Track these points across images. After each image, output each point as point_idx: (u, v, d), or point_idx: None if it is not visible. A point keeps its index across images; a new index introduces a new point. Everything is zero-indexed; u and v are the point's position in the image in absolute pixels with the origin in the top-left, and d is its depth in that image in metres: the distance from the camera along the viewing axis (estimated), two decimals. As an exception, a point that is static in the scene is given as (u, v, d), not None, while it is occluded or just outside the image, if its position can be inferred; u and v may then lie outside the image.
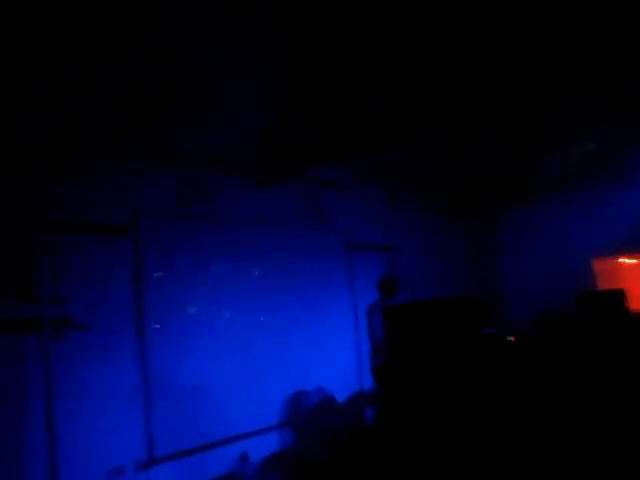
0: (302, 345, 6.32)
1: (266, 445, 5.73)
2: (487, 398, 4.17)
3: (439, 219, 8.90)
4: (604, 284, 8.97)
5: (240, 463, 5.40)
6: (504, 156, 6.73)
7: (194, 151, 5.37)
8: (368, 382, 6.53)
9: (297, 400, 6.01)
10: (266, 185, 6.18)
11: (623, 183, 8.02)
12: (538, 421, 4.27)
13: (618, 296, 5.83)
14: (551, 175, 7.85)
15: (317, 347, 6.47)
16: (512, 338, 6.11)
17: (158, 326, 5.09)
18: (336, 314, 6.85)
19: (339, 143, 5.40)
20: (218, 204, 5.82)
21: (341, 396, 6.23)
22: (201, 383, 5.31)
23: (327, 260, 6.89)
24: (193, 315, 5.40)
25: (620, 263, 10.38)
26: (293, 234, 6.53)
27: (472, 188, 8.42)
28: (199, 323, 5.43)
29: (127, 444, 4.73)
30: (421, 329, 4.33)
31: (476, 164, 7.01)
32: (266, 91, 4.25)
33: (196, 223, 5.59)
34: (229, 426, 5.46)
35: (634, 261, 10.62)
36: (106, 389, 4.65)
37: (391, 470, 4.19)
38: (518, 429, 4.14)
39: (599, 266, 9.37)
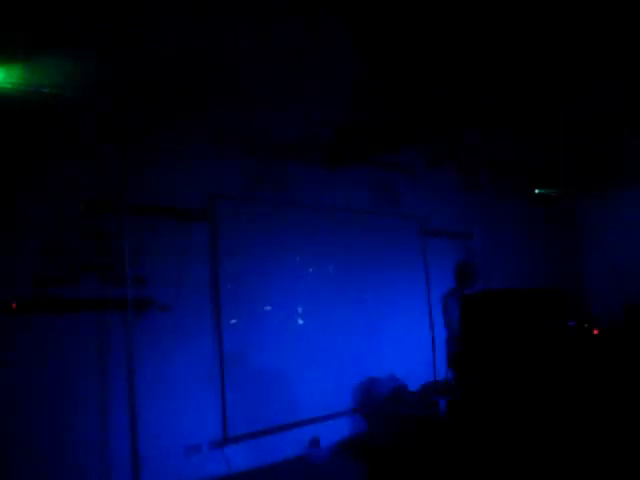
0: (376, 332, 6.27)
1: (337, 430, 5.74)
2: (566, 392, 3.98)
3: (517, 205, 8.51)
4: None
5: (311, 447, 5.43)
6: (590, 136, 6.31)
7: (271, 139, 5.40)
8: (442, 372, 6.39)
9: (369, 387, 5.97)
10: (338, 170, 6.13)
11: None
12: (619, 418, 4.03)
13: None
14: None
15: (390, 334, 6.39)
16: (595, 331, 5.80)
17: (234, 309, 5.18)
18: (410, 302, 6.73)
19: (421, 122, 5.22)
20: (292, 190, 5.84)
21: (413, 385, 6.10)
22: (274, 367, 5.37)
23: (400, 246, 6.77)
24: (269, 299, 5.45)
25: None
26: (366, 220, 6.44)
27: (553, 172, 7.98)
28: (276, 306, 5.48)
29: (203, 423, 4.87)
30: (500, 319, 4.18)
31: (560, 145, 6.61)
32: (346, 76, 4.18)
33: (270, 208, 5.63)
34: (301, 410, 5.51)
35: None
36: (184, 369, 4.79)
37: (460, 461, 4.09)
38: (598, 426, 3.92)
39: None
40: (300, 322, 5.66)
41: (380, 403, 5.82)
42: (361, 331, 6.15)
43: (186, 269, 4.92)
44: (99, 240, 4.44)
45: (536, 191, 8.66)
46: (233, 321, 5.15)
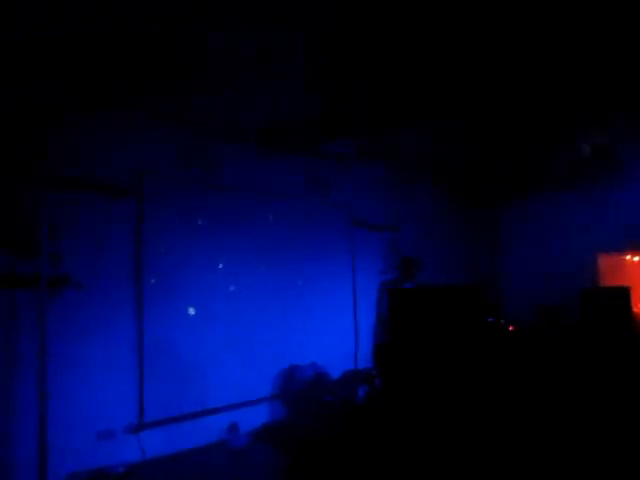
0: (299, 320, 6.27)
1: (257, 416, 5.73)
2: (482, 383, 4.16)
3: (443, 205, 8.75)
4: (608, 281, 8.90)
5: (229, 432, 5.38)
6: (511, 145, 6.59)
7: (207, 120, 5.23)
8: (363, 362, 6.50)
9: (291, 374, 5.98)
10: (273, 156, 6.06)
11: (628, 181, 7.91)
12: (530, 406, 4.27)
13: (623, 294, 5.76)
14: (558, 170, 7.71)
15: (315, 323, 6.42)
16: (511, 327, 6.11)
17: (157, 293, 5.01)
18: (336, 292, 6.77)
19: (354, 118, 5.27)
20: (225, 172, 5.71)
21: (335, 373, 6.19)
22: (195, 353, 5.26)
23: (328, 235, 6.78)
24: (191, 283, 5.31)
25: (625, 260, 10.33)
26: (298, 208, 6.41)
27: (478, 176, 8.27)
28: (197, 291, 5.35)
29: (119, 408, 4.70)
30: (423, 313, 4.29)
31: (483, 151, 6.87)
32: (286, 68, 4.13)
33: (202, 189, 5.47)
34: (221, 396, 5.45)
35: (637, 259, 10.58)
36: (102, 352, 4.60)
37: (376, 446, 4.19)
38: (510, 414, 4.13)
39: (604, 262, 9.29)
40: (224, 308, 5.56)
41: (301, 389, 5.86)
42: (286, 319, 6.13)
43: (108, 248, 4.71)
44: (11, 211, 4.14)
45: (462, 193, 8.95)
46: (155, 304, 4.98)
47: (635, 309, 7.68)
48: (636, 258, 10.52)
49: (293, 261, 6.28)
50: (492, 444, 3.88)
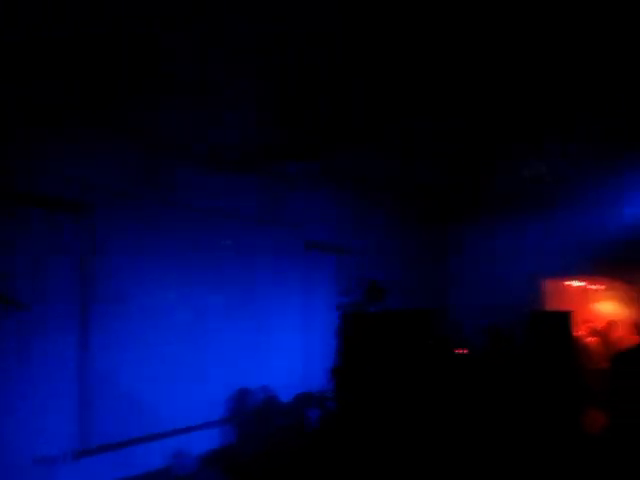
0: (251, 342, 6.20)
1: (206, 441, 5.59)
2: (429, 404, 4.23)
3: (396, 227, 8.88)
4: (552, 304, 9.20)
5: (176, 458, 5.23)
6: (459, 171, 6.84)
7: (163, 137, 5.22)
8: (315, 383, 6.46)
9: (241, 397, 5.89)
10: (229, 176, 6.07)
11: (573, 207, 8.24)
12: (472, 422, 4.37)
13: (565, 318, 5.99)
14: (505, 195, 8.00)
15: (266, 345, 6.36)
16: (464, 350, 6.21)
17: (105, 314, 4.87)
18: (288, 313, 6.74)
19: (305, 142, 5.40)
20: (180, 191, 5.65)
21: (287, 396, 6.13)
22: (142, 376, 5.11)
23: (282, 256, 6.76)
24: (140, 305, 5.18)
25: (568, 285, 10.73)
26: (249, 228, 6.39)
27: (431, 199, 8.49)
28: (145, 313, 5.22)
29: (60, 433, 4.50)
30: (377, 337, 4.35)
31: (432, 177, 7.10)
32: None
33: (151, 206, 5.39)
34: (169, 419, 5.31)
35: (580, 284, 11.01)
36: (42, 373, 4.41)
37: (326, 470, 4.18)
38: (454, 431, 4.20)
39: (548, 287, 9.61)
40: (173, 330, 5.45)
41: (251, 413, 5.78)
42: (237, 341, 6.05)
43: (53, 266, 4.55)
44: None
45: (414, 217, 9.14)
46: (100, 325, 4.84)
47: (576, 333, 7.97)
48: (579, 283, 10.95)
49: (245, 283, 6.24)
50: (443, 463, 3.93)
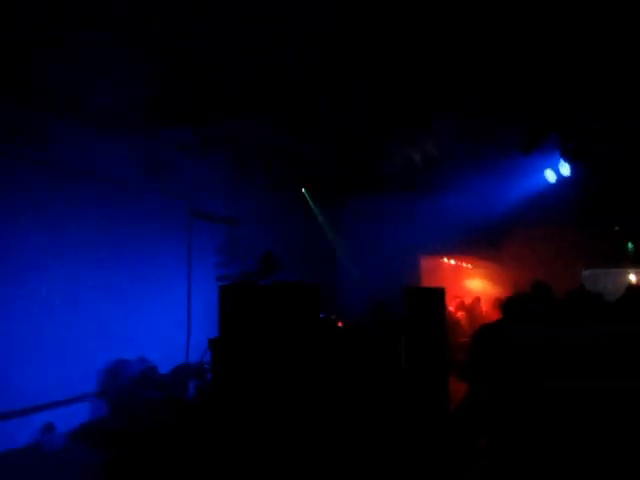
0: (129, 313, 5.92)
1: (77, 415, 5.31)
2: (311, 374, 4.33)
3: (288, 202, 8.92)
4: (429, 280, 9.78)
5: (44, 433, 4.94)
6: (349, 150, 7.00)
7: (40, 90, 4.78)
8: (196, 355, 6.37)
9: (116, 370, 5.65)
10: (111, 136, 5.69)
11: (448, 191, 8.77)
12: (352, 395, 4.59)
13: (439, 293, 6.37)
14: (390, 176, 8.31)
15: (146, 316, 6.11)
16: (340, 323, 6.41)
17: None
18: (170, 284, 6.53)
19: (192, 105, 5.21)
20: (55, 149, 5.18)
21: (165, 367, 5.99)
22: (5, 347, 4.73)
23: (166, 224, 6.51)
24: (8, 270, 4.76)
25: (443, 262, 11.46)
26: (135, 193, 6.08)
27: (320, 175, 8.61)
28: (12, 280, 4.81)
29: None
30: (258, 309, 4.35)
31: (322, 154, 7.21)
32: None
33: (27, 166, 4.92)
34: (33, 393, 4.94)
35: (453, 262, 11.82)
36: None
37: (206, 441, 4.17)
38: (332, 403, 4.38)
39: (425, 264, 10.21)
40: (44, 301, 5.07)
41: (127, 386, 5.59)
42: (114, 312, 5.75)
43: None
44: None
45: (302, 190, 9.22)
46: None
47: (449, 308, 8.57)
48: (452, 261, 11.75)
49: (125, 251, 5.93)
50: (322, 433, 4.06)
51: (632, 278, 11.56)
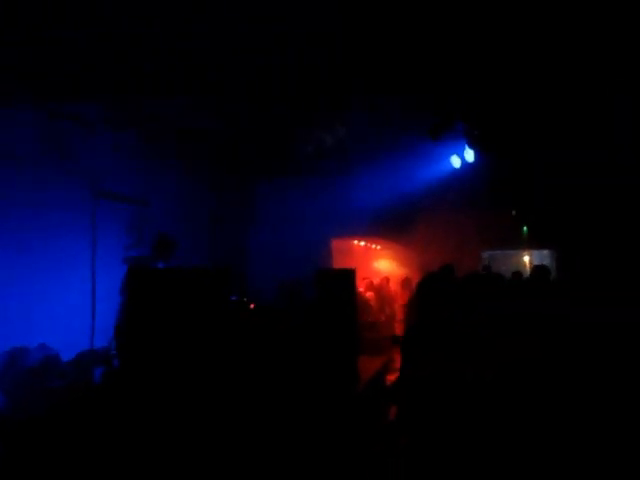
0: (28, 298, 5.57)
1: (-33, 408, 4.96)
2: (222, 357, 4.32)
3: (198, 181, 8.71)
4: (340, 262, 9.98)
5: None
6: (260, 129, 6.97)
7: None
8: (101, 340, 6.12)
9: (13, 357, 5.31)
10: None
11: (358, 175, 9.00)
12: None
13: (349, 275, 6.52)
14: (302, 158, 8.36)
15: (47, 300, 5.76)
16: (252, 305, 6.41)
17: None
18: (73, 266, 6.20)
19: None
20: None
21: (69, 354, 5.71)
22: None
23: (68, 204, 6.14)
24: None
25: (353, 244, 11.73)
26: (32, 172, 5.67)
27: (230, 155, 8.48)
28: None
29: None
30: (167, 293, 4.25)
31: (236, 130, 7.12)
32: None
33: None
34: None
35: (362, 244, 12.12)
36: None
37: (109, 430, 4.06)
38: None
39: (336, 245, 10.39)
40: None
41: (25, 375, 5.27)
42: (10, 296, 5.40)
43: None
44: None
45: (216, 170, 9.04)
46: None
47: (359, 288, 8.80)
48: (362, 243, 12.05)
49: (23, 231, 5.55)
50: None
51: (526, 259, 12.47)
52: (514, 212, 10.26)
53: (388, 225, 9.93)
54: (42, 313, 5.71)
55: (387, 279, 11.29)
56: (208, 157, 8.46)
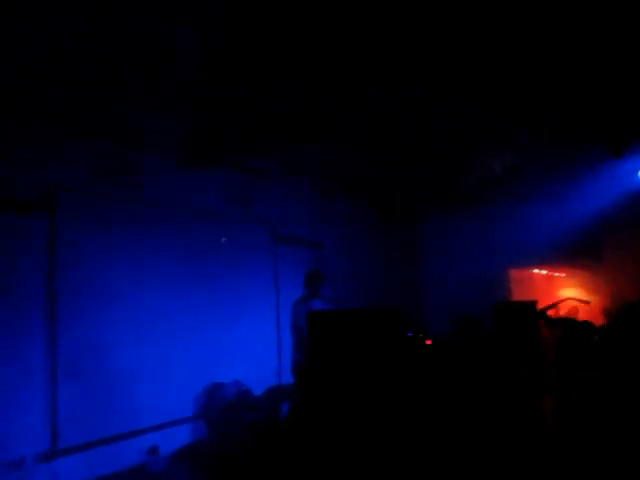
0: (223, 337, 6.20)
1: (178, 438, 5.59)
2: (401, 393, 4.29)
3: (367, 223, 9.00)
4: (518, 293, 9.43)
5: (149, 455, 5.23)
6: (427, 167, 6.95)
7: (126, 130, 5.14)
8: (287, 376, 6.51)
9: (213, 393, 5.89)
10: (195, 170, 6.01)
11: (535, 202, 8.46)
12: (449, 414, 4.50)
13: (531, 307, 6.13)
14: (471, 189, 8.14)
15: (238, 340, 6.36)
16: (428, 341, 6.31)
17: (73, 310, 4.82)
18: (259, 308, 6.76)
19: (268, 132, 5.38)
20: (146, 188, 5.57)
21: (259, 390, 6.16)
22: (112, 373, 5.07)
23: (252, 252, 6.77)
24: (109, 302, 5.13)
25: (533, 273, 11.01)
26: (220, 223, 6.38)
27: (397, 192, 8.58)
28: (115, 309, 5.18)
29: (28, 434, 4.43)
30: (343, 333, 4.39)
31: (401, 172, 7.19)
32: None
33: (117, 203, 5.32)
34: (140, 417, 5.27)
35: (544, 272, 11.32)
36: (6, 372, 4.33)
37: (297, 464, 4.22)
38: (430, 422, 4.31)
39: (515, 275, 9.86)
40: (142, 327, 5.42)
41: (222, 408, 5.79)
42: (208, 337, 6.04)
43: (21, 264, 4.48)
44: None
45: (384, 212, 9.24)
46: (71, 323, 4.79)
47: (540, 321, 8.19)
48: (543, 272, 11.25)
49: (215, 278, 6.22)
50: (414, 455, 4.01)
51: None
52: None
53: (571, 250, 9.16)
54: (237, 352, 6.29)
55: (576, 308, 10.39)
56: (376, 198, 8.70)
